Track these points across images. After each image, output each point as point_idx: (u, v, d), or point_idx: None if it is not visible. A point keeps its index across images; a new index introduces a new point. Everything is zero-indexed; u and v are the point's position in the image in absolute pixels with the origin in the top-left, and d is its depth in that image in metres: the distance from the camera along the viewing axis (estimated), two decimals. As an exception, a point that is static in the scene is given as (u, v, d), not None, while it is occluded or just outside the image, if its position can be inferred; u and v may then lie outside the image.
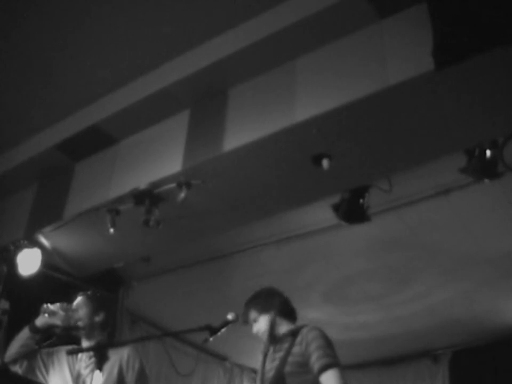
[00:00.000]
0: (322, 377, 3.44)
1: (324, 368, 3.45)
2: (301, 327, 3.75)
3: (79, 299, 4.10)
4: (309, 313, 7.26)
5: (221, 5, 4.23)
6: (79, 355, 3.97)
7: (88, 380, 3.84)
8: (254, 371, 9.12)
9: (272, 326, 3.79)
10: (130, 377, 3.88)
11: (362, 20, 4.03)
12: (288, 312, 3.89)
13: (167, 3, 4.25)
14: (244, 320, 3.90)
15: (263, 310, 3.87)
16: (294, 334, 3.72)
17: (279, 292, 4.01)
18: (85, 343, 3.99)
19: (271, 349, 3.81)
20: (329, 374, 3.45)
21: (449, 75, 3.58)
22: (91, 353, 3.89)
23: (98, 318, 4.02)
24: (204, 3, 4.23)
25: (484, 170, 4.69)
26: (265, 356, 3.81)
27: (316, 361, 3.50)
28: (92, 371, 3.82)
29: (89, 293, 4.17)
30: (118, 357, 3.89)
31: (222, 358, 8.94)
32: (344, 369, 3.57)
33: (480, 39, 3.34)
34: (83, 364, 3.92)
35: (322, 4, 3.99)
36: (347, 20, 4.04)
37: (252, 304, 3.91)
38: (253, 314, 3.88)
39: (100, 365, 3.65)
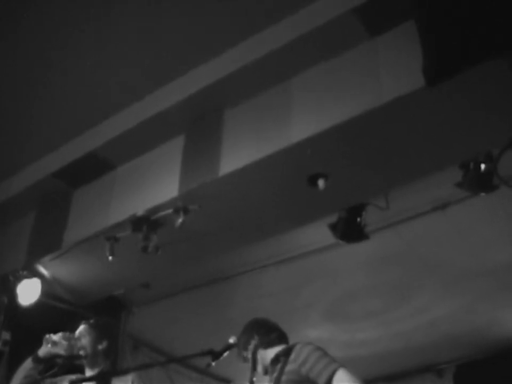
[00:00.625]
0: (334, 381, 3.38)
1: (331, 375, 3.41)
2: (294, 345, 3.75)
3: (81, 327, 4.07)
4: (309, 332, 7.25)
5: (214, 27, 4.26)
6: None
7: None
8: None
9: (254, 359, 3.80)
10: None
11: (356, 38, 4.05)
12: (270, 341, 3.86)
13: (161, 28, 4.28)
14: (243, 360, 3.92)
15: (246, 347, 3.88)
16: (287, 353, 3.72)
17: (260, 323, 3.99)
18: (89, 372, 3.97)
19: (269, 372, 3.82)
20: (339, 376, 3.40)
21: (443, 90, 3.59)
22: (94, 382, 3.88)
23: (101, 346, 4.00)
24: (198, 26, 4.26)
25: (479, 184, 4.71)
26: None
27: (319, 375, 3.46)
28: None
29: (91, 321, 4.13)
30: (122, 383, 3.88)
31: (226, 381, 8.89)
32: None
33: (469, 53, 3.36)
34: None
35: (316, 22, 4.02)
36: (341, 38, 4.06)
37: (238, 344, 3.91)
38: (244, 353, 3.90)
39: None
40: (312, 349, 3.64)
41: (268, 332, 3.92)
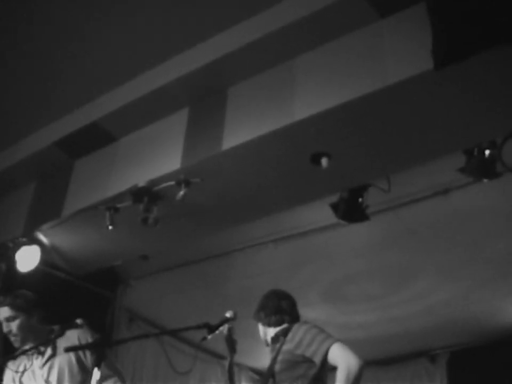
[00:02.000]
0: (329, 356, 3.50)
1: (326, 353, 3.51)
2: (292, 325, 3.78)
3: (5, 312, 3.90)
4: (306, 313, 7.20)
5: (219, 3, 4.23)
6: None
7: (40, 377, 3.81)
8: (252, 370, 9.15)
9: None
10: (89, 359, 3.80)
11: (362, 19, 4.02)
12: (272, 322, 3.91)
13: (165, 2, 4.25)
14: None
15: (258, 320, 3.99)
16: (285, 333, 3.75)
17: (269, 301, 4.02)
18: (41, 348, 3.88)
19: (270, 350, 3.85)
20: (333, 351, 3.50)
21: (449, 74, 3.57)
22: (41, 350, 3.82)
23: (34, 319, 3.92)
24: (202, 2, 4.23)
25: (482, 170, 4.69)
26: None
27: (315, 354, 3.52)
28: (50, 368, 3.78)
29: (8, 301, 3.94)
30: (69, 343, 3.77)
31: (220, 357, 8.90)
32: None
33: (479, 38, 3.34)
34: (37, 363, 3.86)
35: (322, 2, 3.98)
36: (347, 19, 4.03)
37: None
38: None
39: (98, 362, 3.57)
40: (308, 328, 3.69)
41: (274, 312, 3.97)
